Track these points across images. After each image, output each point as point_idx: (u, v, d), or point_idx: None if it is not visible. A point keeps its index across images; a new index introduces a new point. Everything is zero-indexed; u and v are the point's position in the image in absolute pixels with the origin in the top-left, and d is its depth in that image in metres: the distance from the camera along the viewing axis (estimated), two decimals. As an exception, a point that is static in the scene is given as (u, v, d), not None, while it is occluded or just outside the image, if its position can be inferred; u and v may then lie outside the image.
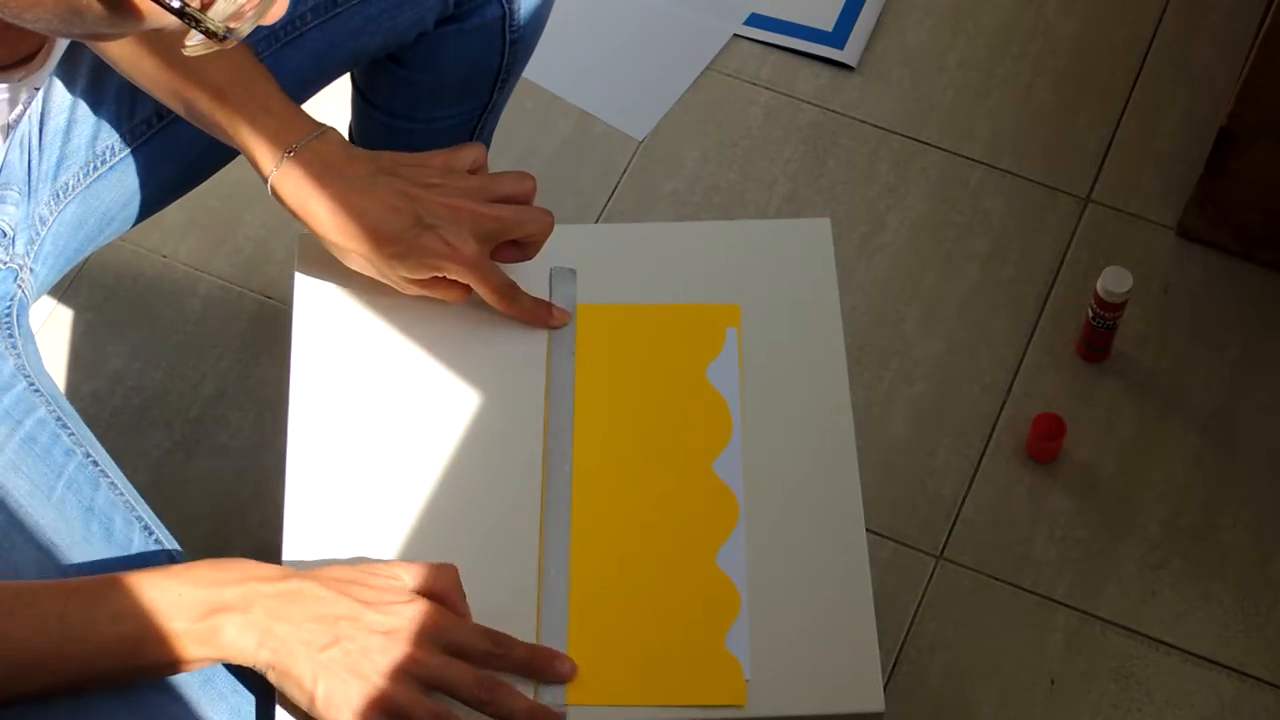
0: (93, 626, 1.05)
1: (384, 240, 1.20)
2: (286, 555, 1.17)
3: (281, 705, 1.10)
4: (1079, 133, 2.00)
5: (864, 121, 2.01)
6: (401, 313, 1.28)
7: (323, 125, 1.23)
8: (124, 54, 1.25)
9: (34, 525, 1.17)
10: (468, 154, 1.25)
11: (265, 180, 1.21)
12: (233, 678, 1.15)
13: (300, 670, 1.07)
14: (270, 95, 1.23)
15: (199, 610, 1.06)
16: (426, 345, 1.26)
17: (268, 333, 1.84)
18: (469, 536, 1.18)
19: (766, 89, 2.03)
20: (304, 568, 1.16)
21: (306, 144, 1.21)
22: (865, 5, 2.08)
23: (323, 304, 1.28)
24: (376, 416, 1.23)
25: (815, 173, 1.97)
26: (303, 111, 1.24)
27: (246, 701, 1.15)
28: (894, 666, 1.67)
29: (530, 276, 1.26)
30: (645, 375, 1.24)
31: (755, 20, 2.08)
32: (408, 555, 1.17)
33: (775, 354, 1.26)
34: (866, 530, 1.19)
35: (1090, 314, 1.78)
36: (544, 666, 1.11)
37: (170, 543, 1.21)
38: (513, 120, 1.95)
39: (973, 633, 1.69)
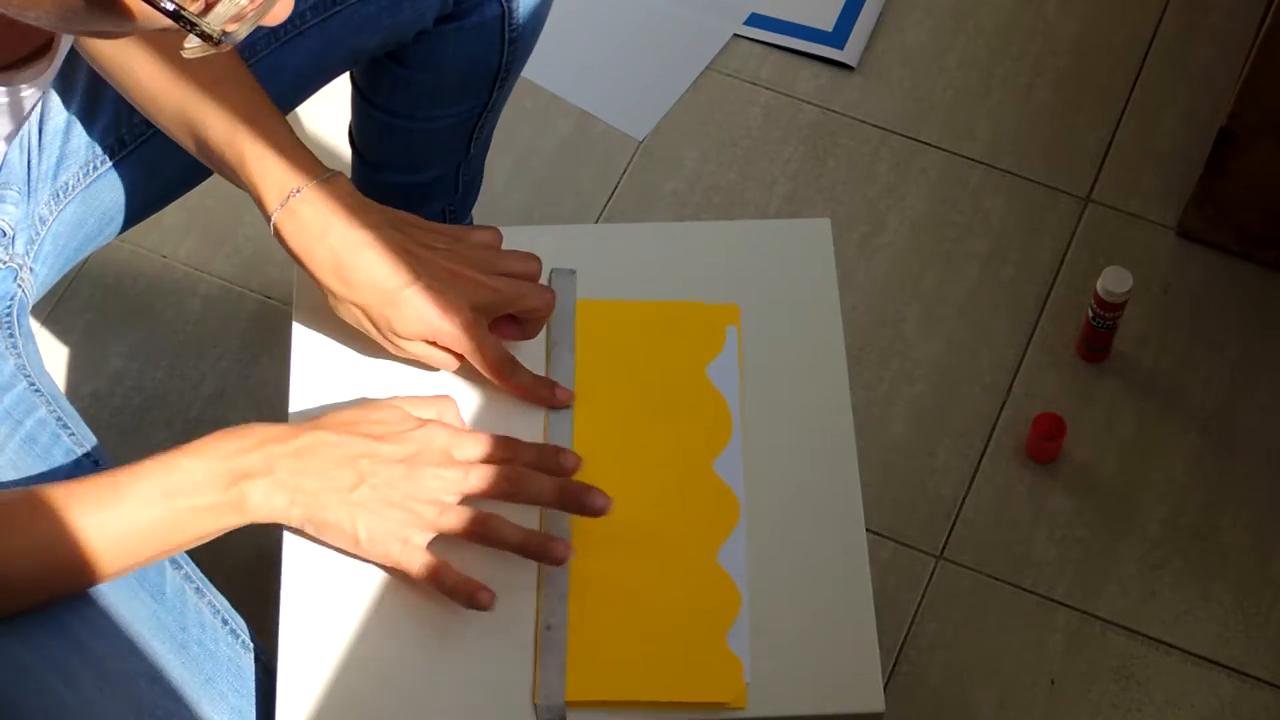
0: (124, 519, 1.09)
1: (380, 293, 1.18)
2: (287, 555, 1.17)
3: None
4: (1079, 133, 2.00)
5: (864, 121, 2.01)
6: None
7: (332, 170, 1.21)
8: (138, 88, 1.24)
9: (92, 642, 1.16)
10: (482, 233, 1.24)
11: (269, 219, 1.19)
12: (233, 678, 1.15)
13: (337, 517, 1.11)
14: (282, 135, 1.21)
15: (224, 481, 1.11)
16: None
17: (268, 333, 1.84)
18: (469, 536, 1.18)
19: (766, 89, 2.03)
20: (305, 571, 1.16)
21: (315, 186, 1.19)
22: (865, 5, 2.08)
23: (323, 305, 1.28)
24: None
25: (815, 173, 1.97)
26: (312, 155, 1.22)
27: (247, 702, 1.15)
28: (894, 666, 1.67)
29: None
30: (645, 373, 1.24)
31: (755, 20, 2.08)
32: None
33: (775, 354, 1.26)
34: (866, 530, 1.19)
35: (1090, 314, 1.78)
36: (551, 460, 1.16)
37: None
38: (513, 120, 1.95)
39: (973, 633, 1.69)
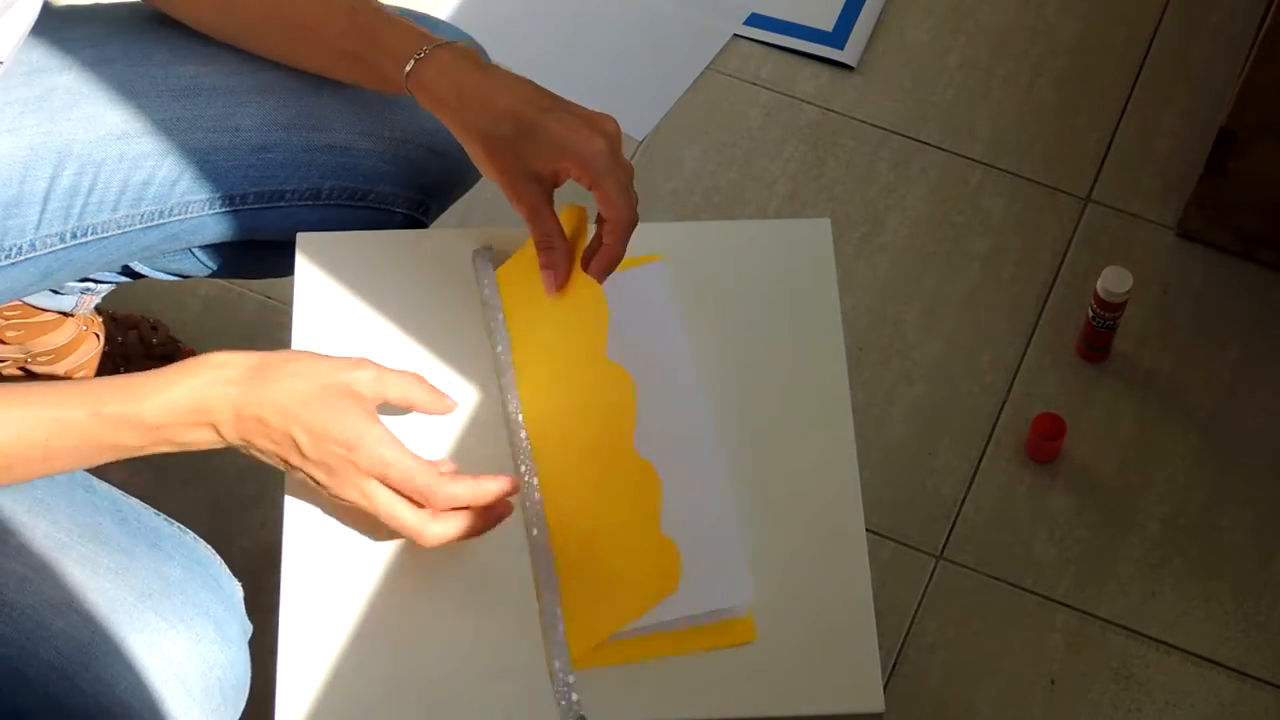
0: (70, 452, 1.12)
1: (518, 118, 1.18)
2: (287, 555, 1.17)
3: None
4: (1079, 133, 2.00)
5: (864, 121, 2.01)
6: (400, 313, 1.28)
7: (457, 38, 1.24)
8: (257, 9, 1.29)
9: (32, 522, 1.17)
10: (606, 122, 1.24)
11: (404, 69, 1.22)
12: (175, 542, 1.21)
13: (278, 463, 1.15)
14: (402, 18, 1.25)
15: (166, 440, 1.14)
16: (425, 344, 1.27)
17: (268, 333, 1.84)
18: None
19: (766, 89, 2.03)
20: (305, 571, 1.16)
21: (448, 44, 1.22)
22: (865, 5, 2.08)
23: (323, 304, 1.28)
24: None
25: (815, 173, 1.97)
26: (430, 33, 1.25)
27: (198, 563, 1.21)
28: (894, 666, 1.67)
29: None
30: (565, 343, 1.24)
31: (755, 20, 2.08)
32: (406, 553, 1.17)
33: (775, 354, 1.26)
34: (866, 530, 1.19)
35: (1090, 314, 1.78)
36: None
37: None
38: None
39: (973, 633, 1.69)
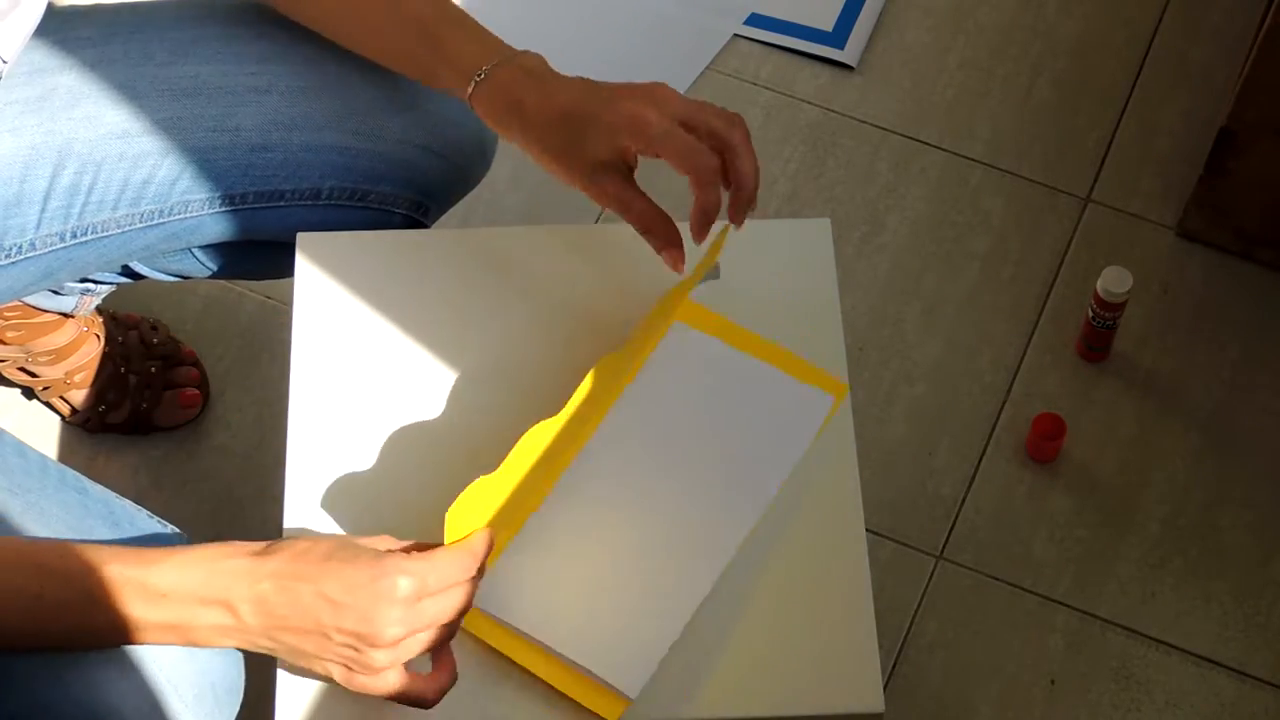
0: (67, 611, 1.06)
1: (571, 118, 1.18)
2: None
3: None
4: (1079, 133, 2.00)
5: (864, 121, 2.01)
6: (400, 313, 1.28)
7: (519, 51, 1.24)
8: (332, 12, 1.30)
9: (24, 525, 1.17)
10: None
11: (467, 91, 1.22)
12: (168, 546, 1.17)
13: (297, 661, 1.09)
14: (475, 25, 1.25)
15: (174, 619, 1.07)
16: (425, 344, 1.27)
17: (268, 333, 1.84)
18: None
19: (766, 89, 2.03)
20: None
21: (505, 62, 1.22)
22: (865, 5, 2.08)
23: (323, 304, 1.28)
24: (376, 416, 1.23)
25: (815, 173, 1.97)
26: (501, 41, 1.25)
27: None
28: (894, 666, 1.67)
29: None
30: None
31: (755, 20, 2.08)
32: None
33: (775, 354, 1.26)
34: (866, 530, 1.19)
35: (1090, 314, 1.78)
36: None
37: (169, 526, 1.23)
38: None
39: (973, 633, 1.69)
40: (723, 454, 1.20)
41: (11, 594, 1.05)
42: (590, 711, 1.12)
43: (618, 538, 1.18)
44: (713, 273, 1.25)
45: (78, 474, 1.22)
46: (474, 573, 1.10)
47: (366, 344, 1.26)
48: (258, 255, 1.43)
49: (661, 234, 1.20)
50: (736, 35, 2.07)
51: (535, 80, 1.22)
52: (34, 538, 1.10)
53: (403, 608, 1.06)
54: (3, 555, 1.06)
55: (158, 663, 1.12)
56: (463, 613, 1.09)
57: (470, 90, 1.23)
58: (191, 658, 1.14)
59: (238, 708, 1.19)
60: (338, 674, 1.08)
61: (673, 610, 1.15)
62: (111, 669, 1.10)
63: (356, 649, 1.06)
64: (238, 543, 1.08)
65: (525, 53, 1.24)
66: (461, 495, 1.10)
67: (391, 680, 1.08)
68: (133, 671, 1.11)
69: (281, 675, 1.14)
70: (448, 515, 1.10)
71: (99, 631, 1.07)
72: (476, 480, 1.11)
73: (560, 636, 1.13)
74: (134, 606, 1.06)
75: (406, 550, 1.10)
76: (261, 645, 1.08)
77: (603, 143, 1.19)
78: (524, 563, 1.16)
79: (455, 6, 1.28)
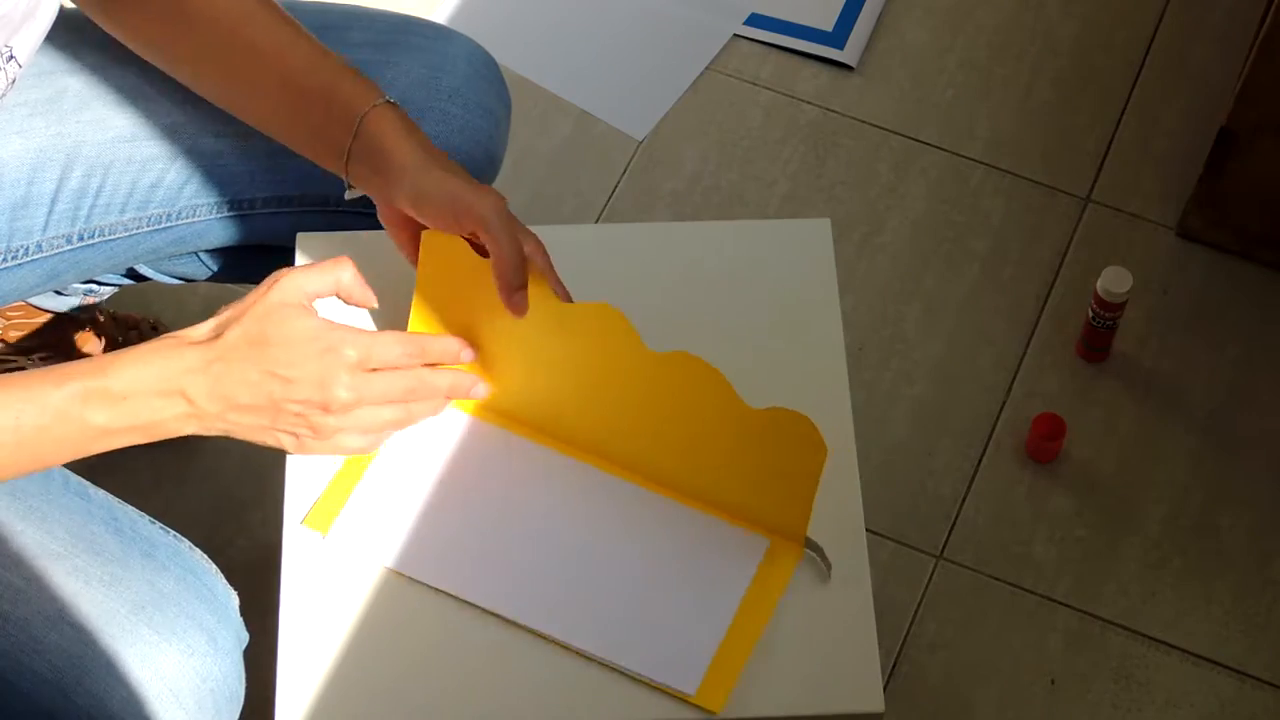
0: (43, 432, 1.09)
1: (413, 170, 1.18)
2: (286, 554, 1.17)
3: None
4: (1079, 133, 2.00)
5: (864, 121, 2.01)
6: (400, 313, 1.28)
7: (379, 98, 1.21)
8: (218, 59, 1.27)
9: (26, 530, 1.17)
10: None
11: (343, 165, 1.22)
12: (170, 551, 1.20)
13: (259, 440, 1.15)
14: (343, 64, 1.23)
15: (137, 419, 1.11)
16: (427, 324, 1.26)
17: (268, 333, 1.84)
18: (468, 530, 1.18)
19: (766, 89, 2.03)
20: (305, 571, 1.16)
21: (381, 105, 1.21)
22: (865, 5, 2.08)
23: (322, 303, 1.28)
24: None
25: (815, 173, 1.97)
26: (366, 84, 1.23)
27: (191, 573, 1.20)
28: (894, 666, 1.67)
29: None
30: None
31: (755, 20, 2.08)
32: (407, 554, 1.17)
33: (775, 354, 1.26)
34: (866, 530, 1.19)
35: (1090, 314, 1.78)
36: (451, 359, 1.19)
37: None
38: (513, 120, 1.95)
39: (973, 633, 1.69)
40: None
41: None
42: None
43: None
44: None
45: (81, 480, 1.22)
46: (420, 362, 1.16)
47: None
48: (262, 259, 1.43)
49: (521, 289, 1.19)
50: (736, 35, 2.07)
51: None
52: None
53: (349, 373, 1.12)
54: None
55: (160, 670, 1.12)
56: (413, 398, 1.15)
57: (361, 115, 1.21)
58: (192, 665, 1.14)
59: (238, 714, 1.19)
60: (289, 443, 1.14)
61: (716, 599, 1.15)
62: (112, 677, 1.10)
63: (307, 416, 1.12)
64: (182, 332, 1.12)
65: (383, 104, 1.22)
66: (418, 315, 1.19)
67: (350, 442, 1.15)
68: (135, 679, 1.11)
69: (281, 675, 1.14)
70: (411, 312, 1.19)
71: (72, 442, 1.11)
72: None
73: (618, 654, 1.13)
74: (99, 414, 1.09)
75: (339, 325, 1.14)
76: (218, 428, 1.13)
77: (438, 201, 1.18)
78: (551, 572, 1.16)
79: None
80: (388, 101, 1.21)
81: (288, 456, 1.21)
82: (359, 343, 1.13)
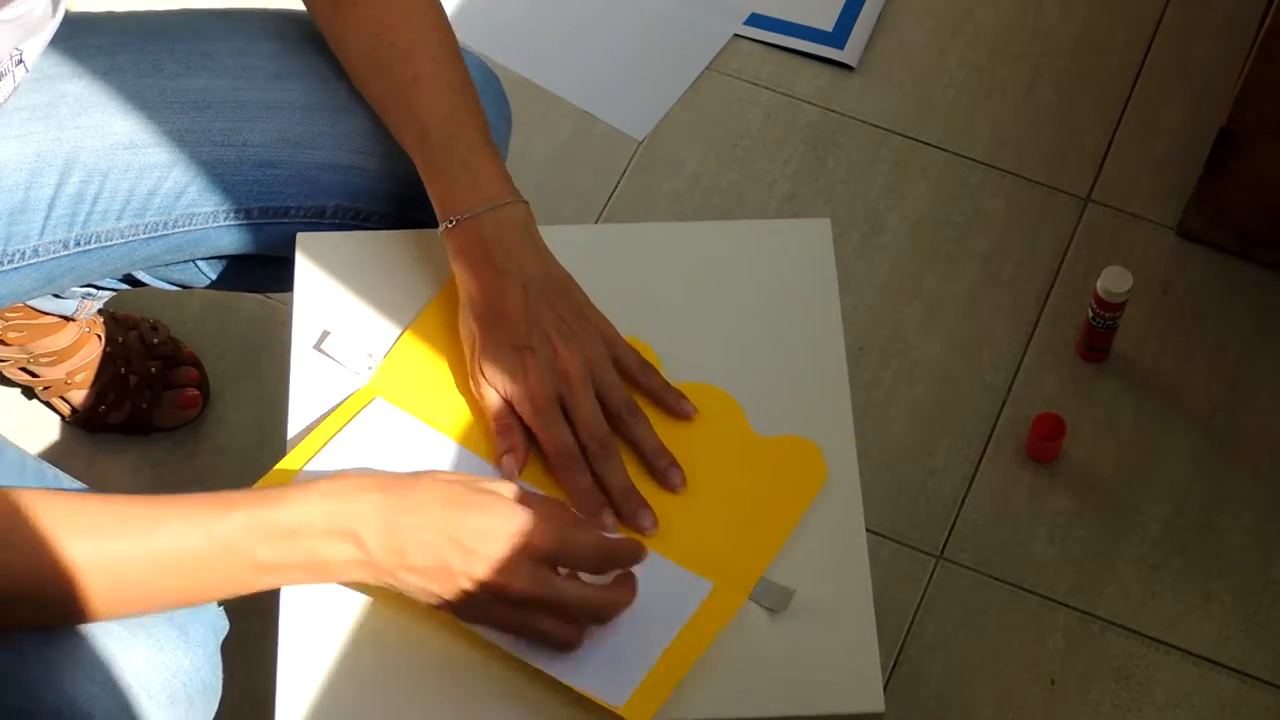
0: (202, 561, 1.05)
1: (483, 338, 1.20)
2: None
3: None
4: (1079, 133, 2.00)
5: (864, 121, 2.01)
6: (400, 313, 1.28)
7: (510, 196, 1.23)
8: (363, 69, 1.29)
9: None
10: (609, 345, 1.23)
11: (440, 227, 1.23)
12: None
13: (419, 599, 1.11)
14: (473, 146, 1.24)
15: (306, 556, 1.07)
16: (425, 338, 1.27)
17: (268, 333, 1.84)
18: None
19: (766, 89, 2.03)
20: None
21: (486, 213, 1.22)
22: (865, 5, 2.08)
23: (323, 304, 1.28)
24: (375, 415, 1.23)
25: (815, 173, 1.97)
26: (501, 172, 1.24)
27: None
28: (894, 666, 1.67)
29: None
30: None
31: (755, 20, 2.08)
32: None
33: (775, 354, 1.26)
34: (866, 530, 1.19)
35: (1090, 314, 1.78)
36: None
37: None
38: (514, 120, 1.95)
39: (973, 633, 1.69)
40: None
41: (153, 549, 1.05)
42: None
43: None
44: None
45: (57, 470, 1.22)
46: (610, 570, 1.11)
47: (366, 344, 1.26)
48: (260, 268, 1.43)
49: (507, 440, 1.20)
50: (736, 35, 2.07)
51: (487, 259, 1.21)
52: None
53: (534, 567, 1.07)
54: (133, 511, 1.06)
55: (129, 665, 1.11)
56: (591, 620, 1.11)
57: (441, 229, 1.23)
58: (162, 660, 1.13)
59: (215, 706, 1.19)
60: (448, 610, 1.10)
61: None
62: (81, 673, 1.09)
63: (474, 593, 1.08)
64: (362, 474, 1.09)
65: (511, 204, 1.23)
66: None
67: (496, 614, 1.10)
68: (104, 675, 1.10)
69: (281, 675, 1.14)
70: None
71: (230, 575, 1.06)
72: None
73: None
74: (264, 548, 1.06)
75: (536, 507, 1.10)
76: (386, 582, 1.09)
77: (503, 369, 1.20)
78: None
79: (466, 115, 1.26)
80: (465, 220, 1.22)
81: (287, 452, 1.21)
82: (554, 537, 1.09)
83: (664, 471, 1.19)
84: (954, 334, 1.86)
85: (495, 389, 1.21)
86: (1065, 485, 1.77)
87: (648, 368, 1.23)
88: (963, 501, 1.76)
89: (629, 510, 1.17)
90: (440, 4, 1.29)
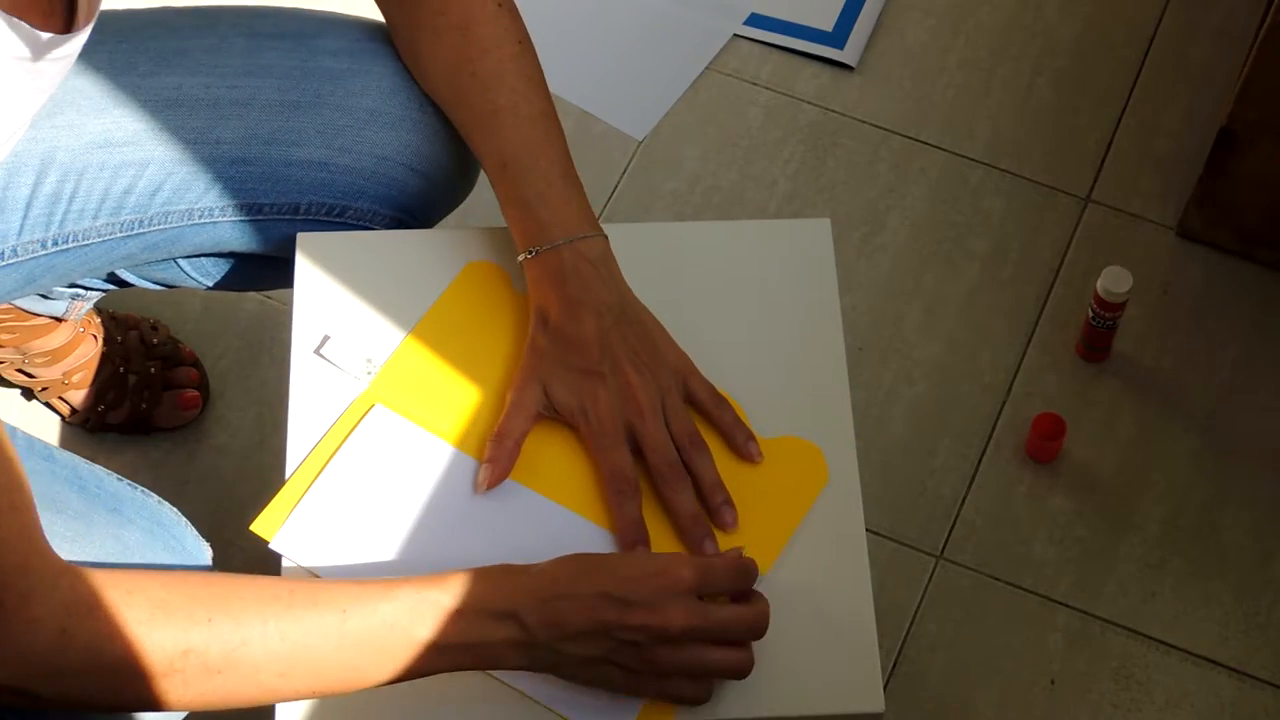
0: (367, 640, 1.05)
1: (552, 361, 1.21)
2: (286, 556, 1.17)
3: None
4: (1079, 133, 2.00)
5: (864, 121, 2.01)
6: (400, 313, 1.28)
7: (588, 230, 1.24)
8: (445, 98, 1.30)
9: None
10: (682, 378, 1.23)
11: (519, 257, 1.24)
12: (136, 505, 1.20)
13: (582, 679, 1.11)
14: (551, 179, 1.25)
15: (469, 637, 1.07)
16: (425, 344, 1.26)
17: (268, 333, 1.84)
18: (472, 531, 1.18)
19: (766, 89, 2.03)
20: (304, 571, 1.16)
21: (565, 245, 1.22)
22: (865, 5, 2.08)
23: (322, 304, 1.28)
24: (375, 423, 1.23)
25: (815, 173, 1.97)
26: (581, 204, 1.25)
27: (158, 524, 1.20)
28: (894, 666, 1.67)
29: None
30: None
31: (755, 20, 2.08)
32: (406, 555, 1.17)
33: (775, 354, 1.26)
34: (866, 530, 1.19)
35: (1090, 314, 1.78)
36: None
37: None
38: (513, 120, 1.95)
39: (973, 633, 1.69)
40: None
41: (318, 626, 1.05)
42: None
43: None
44: None
45: (46, 443, 1.22)
46: (748, 585, 1.12)
47: (366, 345, 1.26)
48: (243, 268, 1.43)
49: (506, 462, 1.20)
50: (736, 35, 2.07)
51: (560, 290, 1.22)
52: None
53: (688, 599, 1.08)
54: (298, 587, 1.06)
55: None
56: (751, 636, 1.11)
57: (521, 259, 1.24)
58: None
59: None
60: (619, 679, 1.09)
61: None
62: None
63: (641, 647, 1.08)
64: (503, 565, 1.09)
65: (590, 238, 1.24)
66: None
67: (682, 689, 1.10)
68: None
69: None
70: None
71: (393, 654, 1.06)
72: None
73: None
74: (427, 627, 1.06)
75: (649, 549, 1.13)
76: (547, 661, 1.09)
77: (571, 389, 1.21)
78: None
79: (545, 147, 1.27)
80: (544, 251, 1.23)
81: (286, 455, 1.21)
82: (695, 565, 1.09)
83: (718, 508, 1.19)
84: (954, 334, 1.86)
85: (556, 405, 1.21)
86: (1065, 485, 1.77)
87: (721, 402, 1.23)
88: (962, 502, 1.76)
89: (696, 537, 1.17)
90: (523, 29, 1.30)
